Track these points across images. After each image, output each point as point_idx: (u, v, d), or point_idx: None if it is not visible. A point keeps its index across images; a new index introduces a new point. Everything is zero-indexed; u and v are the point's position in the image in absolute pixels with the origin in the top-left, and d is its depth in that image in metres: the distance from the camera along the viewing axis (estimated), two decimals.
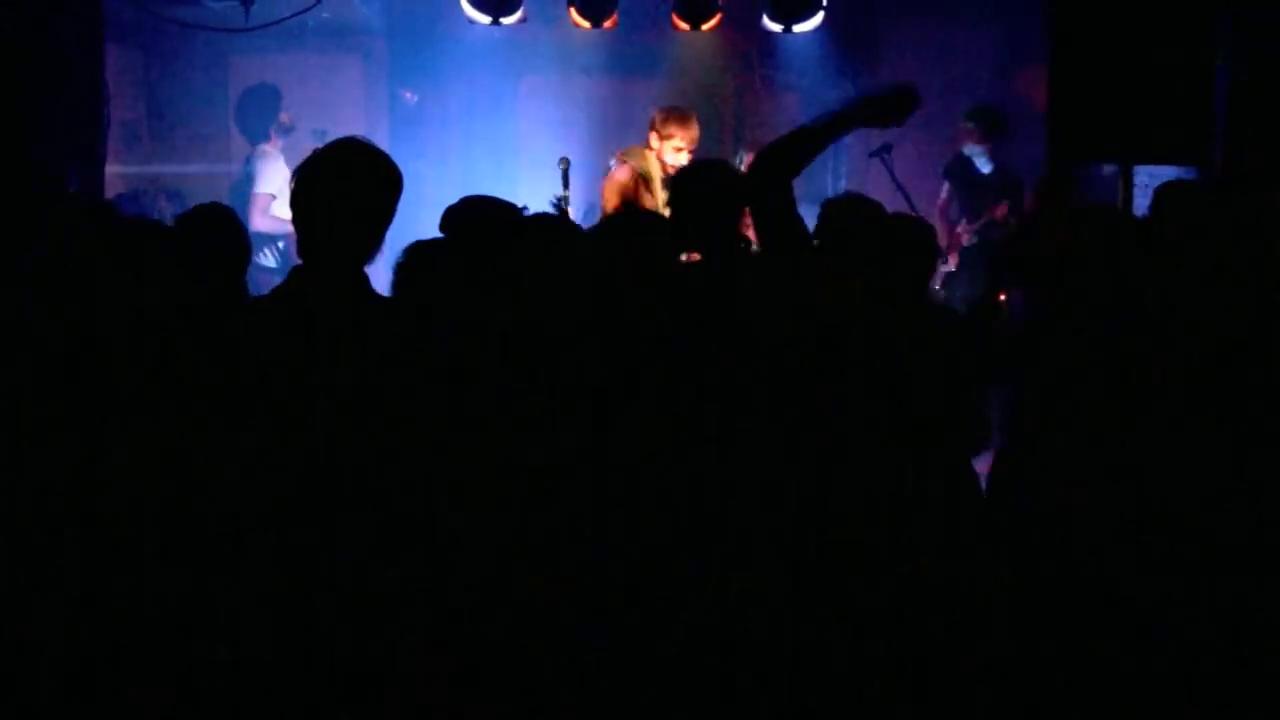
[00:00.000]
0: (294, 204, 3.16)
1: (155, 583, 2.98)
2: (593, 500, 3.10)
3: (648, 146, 6.46)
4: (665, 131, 6.34)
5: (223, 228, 4.07)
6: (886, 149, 7.43)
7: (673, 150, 6.30)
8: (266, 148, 7.66)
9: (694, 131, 6.38)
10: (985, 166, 7.69)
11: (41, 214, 3.63)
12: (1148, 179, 6.65)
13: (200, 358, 3.07)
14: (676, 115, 6.42)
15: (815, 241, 3.92)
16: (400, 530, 2.97)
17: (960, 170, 7.80)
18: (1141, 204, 6.34)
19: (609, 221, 3.79)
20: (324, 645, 2.91)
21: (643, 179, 6.32)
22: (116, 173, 7.16)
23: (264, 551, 2.94)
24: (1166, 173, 6.67)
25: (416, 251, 3.44)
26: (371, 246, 3.18)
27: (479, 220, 3.64)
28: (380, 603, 2.94)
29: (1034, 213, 6.98)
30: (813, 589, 3.27)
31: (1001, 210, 7.44)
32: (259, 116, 7.73)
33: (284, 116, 7.70)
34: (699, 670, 3.14)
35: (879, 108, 3.88)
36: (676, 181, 4.34)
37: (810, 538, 3.29)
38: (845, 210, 4.02)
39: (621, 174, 6.39)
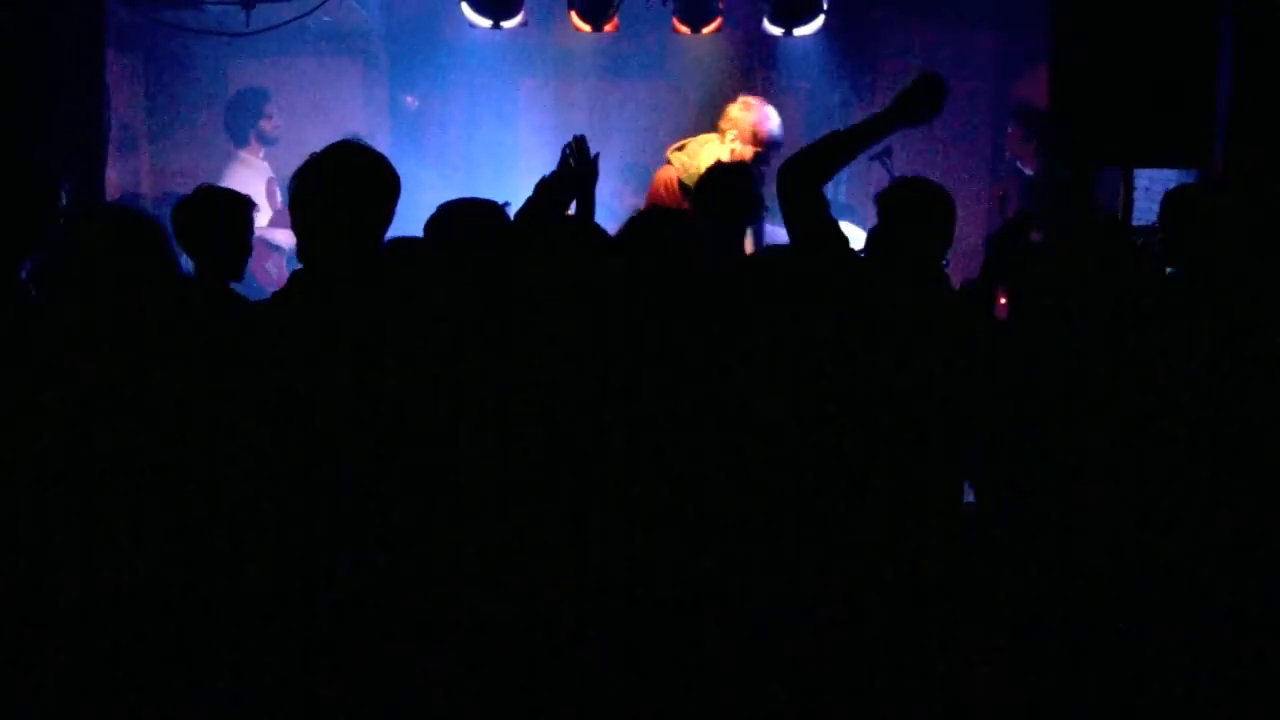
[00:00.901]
0: (293, 208, 3.16)
1: (154, 580, 2.98)
2: (594, 500, 3.10)
3: (719, 133, 5.99)
4: (748, 130, 5.86)
5: (222, 211, 4.04)
6: (887, 153, 7.41)
7: (755, 154, 5.85)
8: (244, 154, 7.61)
9: (776, 126, 5.91)
10: (1028, 169, 7.35)
11: (40, 216, 3.62)
12: (1147, 182, 6.66)
13: (202, 357, 3.07)
14: (762, 115, 5.92)
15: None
16: (401, 531, 2.97)
17: (1011, 179, 7.50)
18: (1142, 207, 6.34)
19: (630, 226, 3.83)
20: (323, 643, 2.90)
21: (683, 187, 5.82)
22: (115, 176, 7.15)
23: (263, 551, 2.94)
24: (1167, 175, 6.69)
25: (398, 248, 3.43)
26: (370, 249, 3.17)
27: (464, 224, 3.66)
28: (380, 600, 2.93)
29: (1022, 214, 6.91)
30: (814, 589, 3.26)
31: (996, 192, 7.14)
32: (241, 120, 7.70)
33: (266, 124, 7.63)
34: (697, 669, 3.13)
35: (911, 105, 3.86)
36: (701, 180, 4.36)
37: (813, 536, 3.28)
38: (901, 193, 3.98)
39: (659, 186, 5.97)
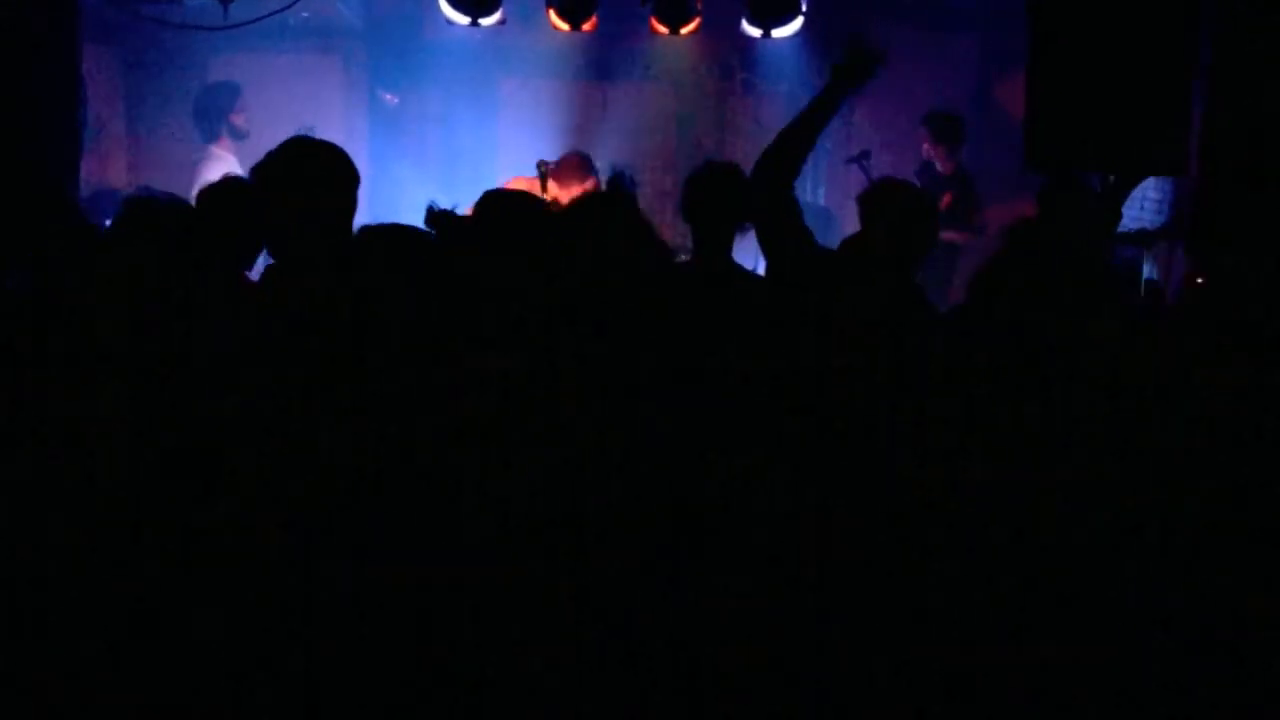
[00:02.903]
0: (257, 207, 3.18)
1: (142, 573, 2.98)
2: (585, 497, 3.10)
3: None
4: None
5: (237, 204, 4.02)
6: (865, 155, 7.48)
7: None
8: (215, 149, 7.53)
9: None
10: (943, 167, 7.70)
11: (18, 213, 3.61)
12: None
13: (181, 348, 3.08)
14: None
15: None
16: (395, 530, 2.97)
17: (925, 178, 7.73)
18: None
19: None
20: (318, 643, 2.90)
21: None
22: (93, 173, 7.13)
23: (250, 551, 2.93)
24: (1145, 181, 6.72)
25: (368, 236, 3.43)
26: (337, 238, 3.19)
27: (509, 208, 3.69)
28: (375, 600, 2.93)
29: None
30: (802, 592, 3.27)
31: (945, 200, 7.26)
32: (211, 114, 7.62)
33: (237, 118, 7.55)
34: (694, 669, 3.13)
35: (849, 73, 3.88)
36: (690, 181, 4.33)
37: (802, 540, 3.28)
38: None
39: None
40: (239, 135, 7.52)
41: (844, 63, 3.87)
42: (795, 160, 3.81)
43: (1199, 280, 4.11)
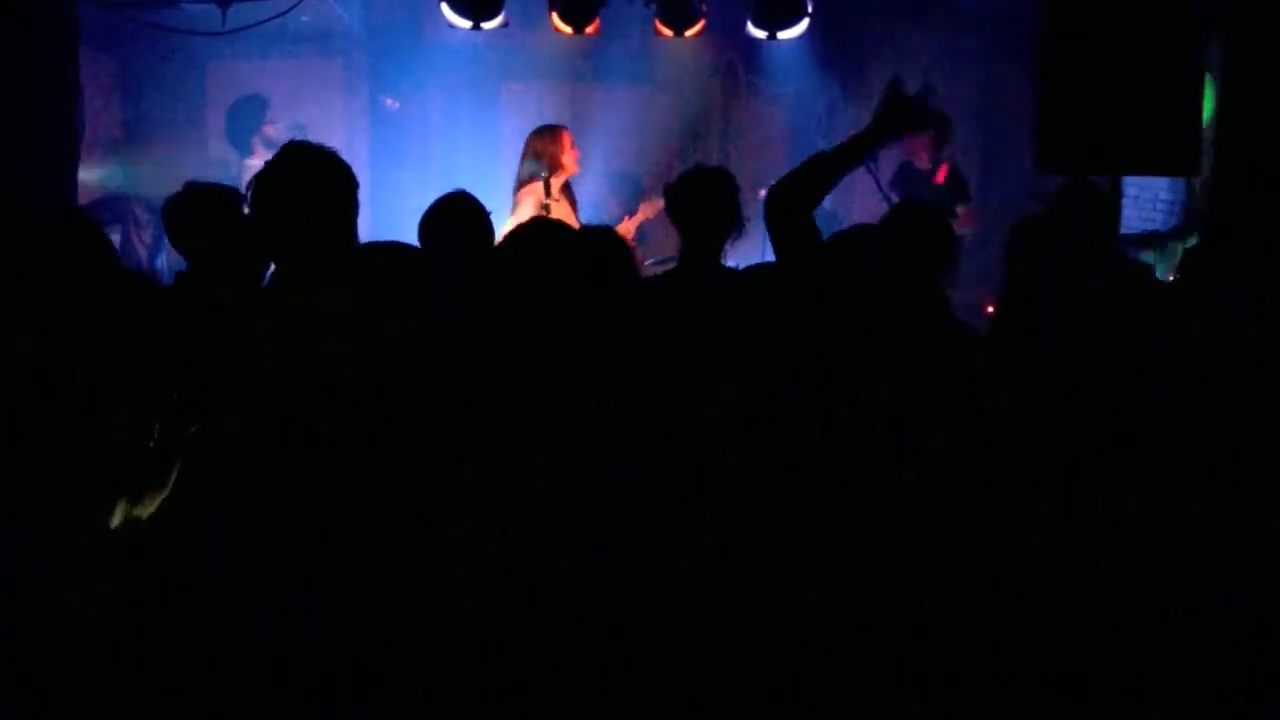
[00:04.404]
0: (254, 214, 3.16)
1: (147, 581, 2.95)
2: (589, 503, 3.06)
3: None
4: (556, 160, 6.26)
5: (210, 207, 3.96)
6: (873, 158, 7.36)
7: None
8: (252, 162, 7.59)
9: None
10: (922, 164, 7.40)
11: (15, 219, 3.56)
12: (1136, 190, 6.66)
13: (193, 352, 3.06)
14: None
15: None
16: (400, 532, 2.94)
17: (905, 177, 7.50)
18: (1130, 216, 6.33)
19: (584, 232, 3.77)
20: (315, 646, 2.88)
21: None
22: (93, 178, 7.10)
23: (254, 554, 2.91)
24: (1156, 183, 6.69)
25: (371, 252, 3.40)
26: (339, 244, 3.16)
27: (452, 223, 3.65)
28: (364, 605, 2.90)
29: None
30: (801, 594, 3.23)
31: (966, 220, 7.05)
32: (242, 128, 7.68)
33: (270, 130, 7.63)
34: (695, 670, 3.10)
35: (893, 122, 3.83)
36: (676, 187, 4.27)
37: (802, 539, 3.25)
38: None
39: None
40: (272, 146, 7.52)
41: (884, 110, 3.82)
42: (814, 196, 3.79)
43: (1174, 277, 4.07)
